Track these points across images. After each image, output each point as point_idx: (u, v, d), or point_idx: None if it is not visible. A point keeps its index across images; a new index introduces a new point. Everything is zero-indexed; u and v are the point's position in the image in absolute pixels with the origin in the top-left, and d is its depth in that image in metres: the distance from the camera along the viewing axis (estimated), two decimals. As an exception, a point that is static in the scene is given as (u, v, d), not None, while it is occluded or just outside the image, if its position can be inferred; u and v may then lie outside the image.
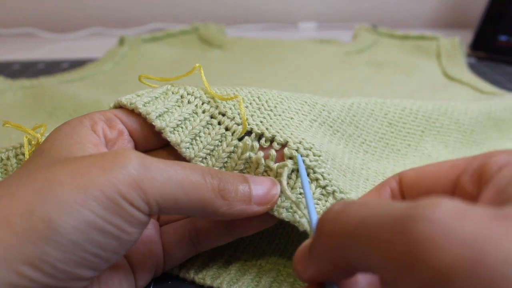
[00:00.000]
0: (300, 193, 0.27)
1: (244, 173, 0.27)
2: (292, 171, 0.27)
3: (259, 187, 0.25)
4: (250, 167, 0.27)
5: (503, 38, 0.74)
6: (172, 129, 0.27)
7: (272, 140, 0.27)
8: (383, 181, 0.23)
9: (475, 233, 0.13)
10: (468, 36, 0.80)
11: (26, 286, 0.18)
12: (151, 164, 0.21)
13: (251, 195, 0.24)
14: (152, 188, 0.21)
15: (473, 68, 0.68)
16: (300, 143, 0.27)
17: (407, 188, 0.22)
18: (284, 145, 0.27)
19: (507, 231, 0.13)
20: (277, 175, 0.26)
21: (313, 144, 0.27)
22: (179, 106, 0.28)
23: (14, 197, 0.19)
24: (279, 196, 0.26)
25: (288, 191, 0.25)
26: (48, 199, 0.19)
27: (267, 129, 0.28)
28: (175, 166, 0.22)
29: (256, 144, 0.27)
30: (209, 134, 0.28)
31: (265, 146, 0.27)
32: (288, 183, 0.27)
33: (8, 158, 0.30)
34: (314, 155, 0.27)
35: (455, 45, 0.72)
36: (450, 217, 0.13)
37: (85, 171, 0.20)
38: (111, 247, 0.20)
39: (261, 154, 0.26)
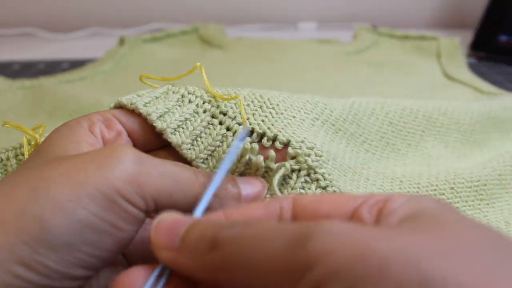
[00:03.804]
0: (300, 193, 0.27)
1: (245, 175, 0.27)
2: (293, 171, 0.27)
3: (248, 187, 0.25)
4: (251, 169, 0.27)
5: (503, 38, 0.74)
6: (173, 130, 0.27)
7: (274, 139, 0.27)
8: (274, 198, 0.22)
9: (363, 238, 0.15)
10: (468, 36, 0.79)
11: (20, 286, 0.18)
12: (146, 159, 0.21)
13: (240, 194, 0.25)
14: (148, 182, 0.21)
15: (473, 68, 0.68)
16: (302, 142, 0.27)
17: (302, 211, 0.21)
18: (286, 144, 0.27)
19: (388, 233, 0.15)
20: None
21: (314, 144, 0.27)
22: (179, 106, 0.28)
23: (8, 196, 0.19)
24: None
25: (278, 192, 0.25)
26: (41, 198, 0.19)
27: (268, 128, 0.28)
28: (168, 163, 0.22)
29: (255, 146, 0.27)
30: (210, 134, 0.27)
31: (267, 146, 0.27)
32: (288, 183, 0.27)
33: (8, 159, 0.30)
34: (316, 155, 0.27)
35: (455, 45, 0.72)
36: (343, 230, 0.15)
37: (80, 168, 0.20)
38: (105, 246, 0.20)
39: (260, 158, 0.26)
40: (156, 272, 0.19)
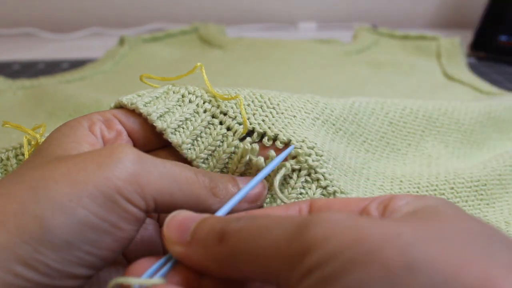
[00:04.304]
0: (301, 193, 0.27)
1: (245, 175, 0.27)
2: (293, 170, 0.27)
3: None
4: (251, 169, 0.27)
5: (503, 38, 0.74)
6: (174, 130, 0.27)
7: (274, 139, 0.27)
8: (294, 202, 0.24)
9: (358, 225, 0.16)
10: (468, 36, 0.80)
11: (21, 285, 0.18)
12: (146, 159, 0.21)
13: None
14: (148, 182, 0.21)
15: (473, 68, 0.68)
16: (303, 141, 0.27)
17: (317, 211, 0.22)
18: (287, 144, 0.27)
19: (383, 224, 0.16)
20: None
21: (315, 143, 0.27)
22: (180, 106, 0.28)
23: (9, 196, 0.19)
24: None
25: (278, 193, 0.25)
26: (42, 198, 0.19)
27: (269, 128, 0.28)
28: (168, 163, 0.22)
29: (256, 146, 0.27)
30: (211, 134, 0.27)
31: (267, 145, 0.27)
32: (288, 183, 0.27)
33: (8, 159, 0.30)
34: (317, 155, 0.27)
35: (455, 45, 0.72)
36: (341, 218, 0.16)
37: (80, 168, 0.20)
38: (106, 245, 0.20)
39: (261, 159, 0.26)
40: (161, 261, 0.20)
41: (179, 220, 0.20)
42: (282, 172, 0.26)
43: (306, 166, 0.27)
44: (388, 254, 0.14)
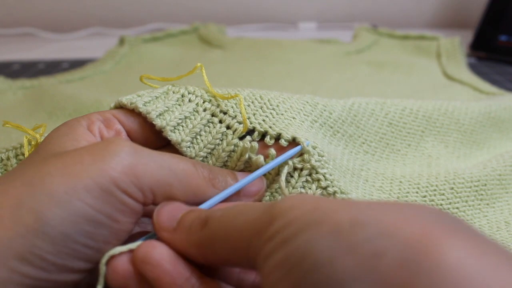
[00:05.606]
0: (300, 193, 0.27)
1: None
2: (295, 169, 0.27)
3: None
4: (251, 167, 0.27)
5: (503, 38, 0.74)
6: (173, 128, 0.27)
7: (277, 137, 0.27)
8: None
9: (320, 199, 0.18)
10: (468, 36, 0.80)
11: (17, 280, 0.18)
12: (143, 151, 0.22)
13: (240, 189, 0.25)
14: (145, 173, 0.21)
15: (473, 68, 0.68)
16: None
17: None
18: (290, 142, 0.27)
19: (339, 202, 0.18)
20: (278, 174, 0.26)
21: (317, 144, 0.27)
22: (179, 105, 0.28)
23: (5, 192, 0.19)
24: (279, 194, 0.26)
25: (286, 191, 0.25)
26: (38, 191, 0.19)
27: (270, 127, 0.28)
28: (166, 154, 0.22)
29: (255, 145, 0.27)
30: (210, 133, 0.27)
31: (269, 144, 0.27)
32: (289, 182, 0.27)
33: (8, 158, 0.30)
34: (319, 155, 0.27)
35: (455, 45, 0.72)
36: (306, 196, 0.18)
37: (76, 161, 0.20)
38: (102, 238, 0.20)
39: (261, 157, 0.26)
40: (142, 239, 0.21)
41: (170, 208, 0.21)
42: (286, 170, 0.26)
43: (309, 166, 0.27)
44: (338, 216, 0.16)
